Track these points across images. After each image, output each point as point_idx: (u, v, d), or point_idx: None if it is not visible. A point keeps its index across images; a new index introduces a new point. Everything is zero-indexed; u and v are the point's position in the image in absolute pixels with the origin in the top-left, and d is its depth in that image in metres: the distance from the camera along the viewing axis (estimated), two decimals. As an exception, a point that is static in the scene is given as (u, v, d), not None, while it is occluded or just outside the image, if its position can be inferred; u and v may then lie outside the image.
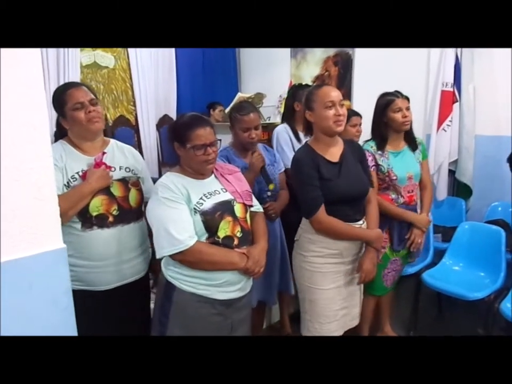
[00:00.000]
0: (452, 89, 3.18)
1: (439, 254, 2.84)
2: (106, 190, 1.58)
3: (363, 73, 3.85)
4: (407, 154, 2.23)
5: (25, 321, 1.06)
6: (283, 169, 2.23)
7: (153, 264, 1.87)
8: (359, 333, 2.39)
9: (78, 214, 1.52)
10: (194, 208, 1.48)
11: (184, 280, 1.51)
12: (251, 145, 2.02)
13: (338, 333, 1.86)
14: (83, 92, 1.58)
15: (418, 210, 2.30)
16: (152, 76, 4.49)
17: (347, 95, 3.94)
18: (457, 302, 2.58)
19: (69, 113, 1.56)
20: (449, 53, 3.17)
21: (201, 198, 1.51)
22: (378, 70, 3.59)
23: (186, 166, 1.56)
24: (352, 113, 2.54)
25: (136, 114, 4.47)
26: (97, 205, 1.56)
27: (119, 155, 1.70)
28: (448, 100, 3.20)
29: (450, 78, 3.18)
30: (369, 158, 2.09)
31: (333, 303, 1.80)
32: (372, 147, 2.15)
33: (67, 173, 1.55)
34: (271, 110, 4.37)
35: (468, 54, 3.18)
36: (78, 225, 1.55)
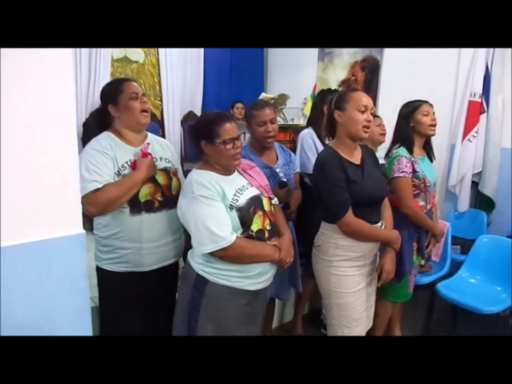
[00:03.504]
0: (479, 100, 3.13)
1: (457, 266, 2.79)
2: (152, 179, 1.68)
3: (390, 80, 3.83)
4: (427, 161, 2.23)
5: (45, 300, 1.10)
6: (297, 170, 2.24)
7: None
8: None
9: (127, 200, 1.61)
10: (231, 205, 1.52)
11: (218, 274, 1.54)
12: (268, 140, 2.02)
13: (362, 335, 1.85)
14: (137, 86, 1.72)
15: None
16: (180, 73, 4.57)
17: (372, 100, 3.92)
18: (473, 315, 2.53)
19: (124, 101, 1.65)
20: (480, 63, 3.12)
21: (235, 195, 1.54)
22: (406, 76, 3.57)
23: (214, 162, 1.58)
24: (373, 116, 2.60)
25: (162, 109, 4.56)
26: (146, 192, 1.65)
27: (158, 147, 1.79)
28: (476, 111, 3.15)
29: (479, 89, 3.13)
30: (408, 165, 2.05)
31: (359, 306, 1.80)
32: (407, 153, 2.11)
33: (117, 162, 1.63)
34: (295, 111, 4.39)
35: (498, 64, 3.13)
36: (127, 210, 1.63)
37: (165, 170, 1.75)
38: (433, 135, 2.18)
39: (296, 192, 2.19)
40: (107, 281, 1.73)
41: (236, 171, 1.66)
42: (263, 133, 2.00)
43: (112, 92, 1.68)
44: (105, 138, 1.66)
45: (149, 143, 1.72)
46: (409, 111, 2.15)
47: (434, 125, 2.14)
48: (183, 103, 4.64)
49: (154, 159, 1.71)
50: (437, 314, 2.75)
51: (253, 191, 1.61)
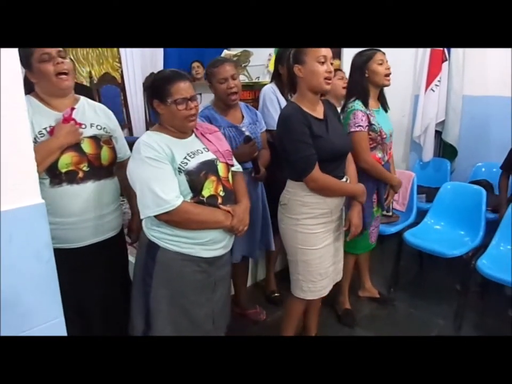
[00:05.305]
0: (441, 48, 3.13)
1: (423, 215, 2.88)
2: (76, 147, 1.53)
3: (353, 31, 3.76)
4: (383, 112, 2.23)
5: (7, 274, 1.07)
6: (264, 129, 2.21)
7: (129, 223, 1.89)
8: (340, 291, 2.47)
9: (46, 170, 1.48)
10: (179, 168, 1.46)
11: (168, 239, 1.51)
12: (232, 97, 1.97)
13: (329, 288, 1.91)
14: None
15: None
16: (137, 32, 4.36)
17: (337, 54, 3.86)
18: (438, 260, 2.66)
19: (36, 65, 1.47)
20: (441, 10, 3.10)
21: (185, 158, 1.49)
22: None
23: (168, 124, 1.52)
24: (336, 69, 2.58)
25: (122, 71, 4.37)
26: (66, 161, 1.51)
27: (90, 112, 1.64)
28: (438, 59, 3.15)
29: (440, 36, 3.12)
30: (363, 118, 2.06)
31: (325, 261, 1.82)
32: (362, 106, 2.09)
33: (34, 128, 1.47)
34: (261, 69, 4.30)
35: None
36: (47, 181, 1.50)
37: (94, 138, 1.59)
38: (388, 85, 2.14)
39: (264, 152, 2.18)
40: None
41: (194, 135, 1.60)
42: (225, 90, 1.95)
43: (24, 55, 1.42)
44: None
45: (73, 108, 1.55)
46: (364, 61, 2.11)
47: (389, 74, 2.11)
48: (143, 64, 4.45)
49: (83, 126, 1.57)
50: (404, 261, 2.87)
51: (207, 156, 1.55)
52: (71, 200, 1.53)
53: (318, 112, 1.74)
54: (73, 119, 1.53)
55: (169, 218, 1.45)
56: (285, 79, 2.05)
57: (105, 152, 1.62)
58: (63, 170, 1.51)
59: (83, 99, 1.67)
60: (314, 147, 1.66)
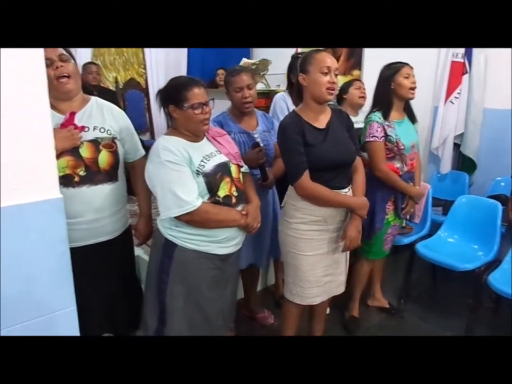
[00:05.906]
0: (462, 60, 3.12)
1: (439, 227, 2.83)
2: (73, 151, 1.55)
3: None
4: (408, 123, 2.27)
5: (23, 265, 1.14)
6: None
7: (136, 223, 1.90)
8: (351, 297, 2.49)
9: None
10: (197, 170, 1.54)
11: (186, 238, 1.58)
12: (246, 106, 2.03)
13: (321, 298, 1.91)
14: (51, 50, 1.48)
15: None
16: (163, 39, 4.49)
17: (357, 64, 3.89)
18: (451, 274, 2.63)
19: None
20: (462, 23, 3.09)
21: (202, 161, 1.56)
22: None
23: (183, 128, 1.59)
24: (353, 79, 2.73)
25: (146, 77, 4.50)
26: (62, 165, 1.52)
27: (96, 114, 1.64)
28: (458, 71, 3.14)
29: (461, 48, 3.11)
30: (379, 129, 2.12)
31: (316, 269, 1.82)
32: (379, 118, 2.16)
33: None
34: (281, 77, 4.33)
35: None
36: None
37: (94, 142, 1.58)
38: (413, 98, 2.20)
39: (279, 160, 2.19)
40: None
41: (205, 138, 1.67)
42: (240, 99, 2.01)
43: None
44: None
45: (73, 112, 1.55)
46: (391, 74, 2.16)
47: (414, 88, 2.17)
48: (167, 71, 4.57)
49: (86, 129, 1.57)
50: (417, 273, 2.85)
51: (221, 158, 1.63)
52: (66, 203, 1.50)
53: (321, 121, 1.76)
54: (73, 124, 1.55)
55: (191, 219, 1.52)
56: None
57: (103, 156, 1.61)
58: (59, 174, 1.49)
59: (93, 100, 1.68)
60: (307, 155, 1.69)
